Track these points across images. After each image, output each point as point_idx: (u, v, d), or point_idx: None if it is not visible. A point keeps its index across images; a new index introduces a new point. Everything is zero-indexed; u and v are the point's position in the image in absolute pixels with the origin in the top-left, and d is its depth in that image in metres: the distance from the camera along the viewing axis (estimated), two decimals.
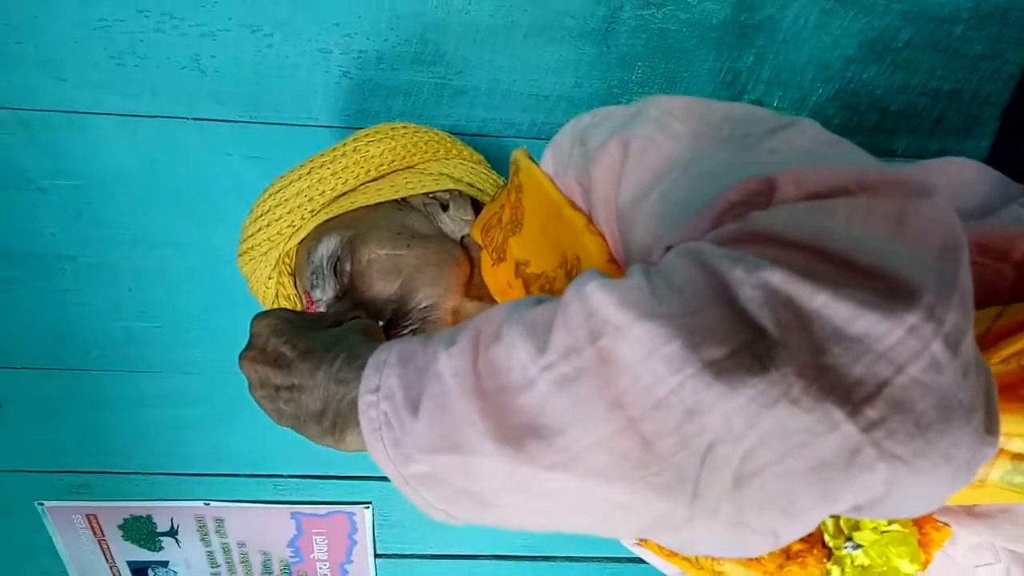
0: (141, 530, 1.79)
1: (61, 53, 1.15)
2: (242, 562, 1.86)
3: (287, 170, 0.93)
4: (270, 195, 0.92)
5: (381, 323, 0.83)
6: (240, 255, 0.97)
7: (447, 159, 0.97)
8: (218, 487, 1.70)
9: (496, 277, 0.82)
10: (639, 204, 0.60)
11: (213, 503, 1.73)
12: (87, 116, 1.21)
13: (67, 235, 1.32)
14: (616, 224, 0.64)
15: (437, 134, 0.98)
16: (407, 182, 0.92)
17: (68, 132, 1.22)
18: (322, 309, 0.88)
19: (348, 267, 0.86)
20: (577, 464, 0.45)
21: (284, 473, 1.70)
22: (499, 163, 1.27)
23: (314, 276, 0.88)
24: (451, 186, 0.94)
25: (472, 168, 0.98)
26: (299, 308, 0.94)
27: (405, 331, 0.84)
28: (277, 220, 0.90)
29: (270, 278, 0.95)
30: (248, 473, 1.68)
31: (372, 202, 0.90)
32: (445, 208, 0.92)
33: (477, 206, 0.96)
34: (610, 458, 0.44)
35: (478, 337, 0.51)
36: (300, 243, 0.93)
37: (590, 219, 0.68)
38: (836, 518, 0.67)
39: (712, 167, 0.57)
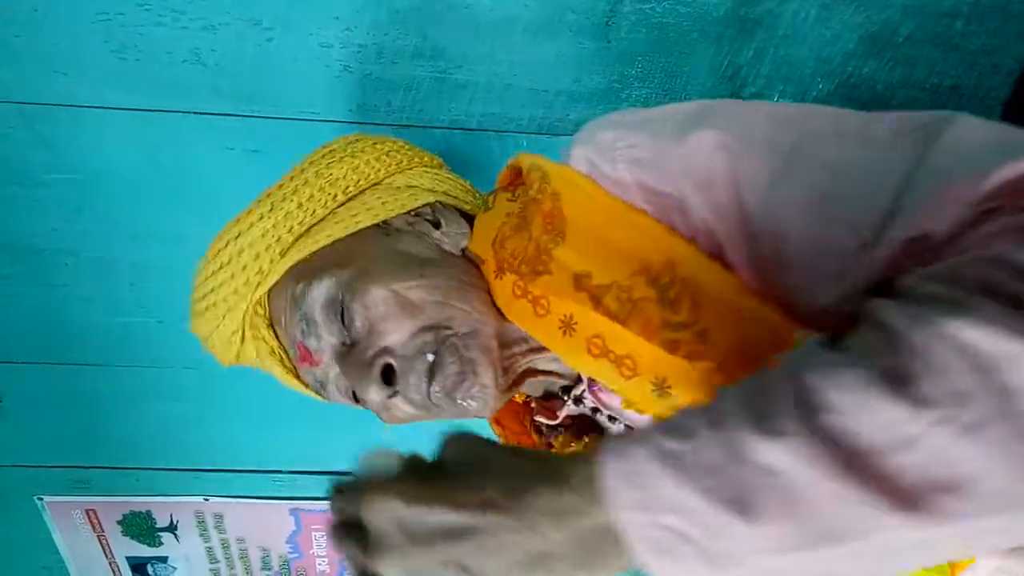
0: (140, 525, 1.79)
1: (61, 47, 1.15)
2: (241, 558, 1.86)
3: (236, 215, 0.83)
4: (228, 243, 0.81)
5: (430, 357, 0.75)
6: (197, 315, 0.85)
7: (410, 169, 0.89)
8: (217, 482, 1.70)
9: (503, 290, 0.76)
10: (789, 198, 0.58)
11: (212, 498, 1.73)
12: (87, 110, 1.21)
13: (67, 230, 1.32)
14: (743, 220, 0.60)
15: (394, 142, 0.90)
16: (382, 202, 0.83)
17: (68, 126, 1.22)
18: (325, 358, 0.79)
19: (360, 310, 0.76)
20: (1004, 503, 0.43)
21: (283, 469, 1.70)
22: (499, 158, 1.27)
23: (305, 324, 0.78)
24: (428, 199, 0.85)
25: (436, 174, 0.90)
26: (285, 361, 0.84)
27: (450, 367, 0.75)
28: (243, 269, 0.80)
29: (235, 333, 0.84)
30: (247, 468, 1.69)
31: (351, 231, 0.81)
32: (437, 225, 0.84)
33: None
34: None
35: (797, 416, 0.45)
36: (271, 289, 0.83)
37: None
38: None
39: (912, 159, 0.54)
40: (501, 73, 1.21)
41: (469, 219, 0.85)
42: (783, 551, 0.45)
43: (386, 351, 0.75)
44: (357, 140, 0.87)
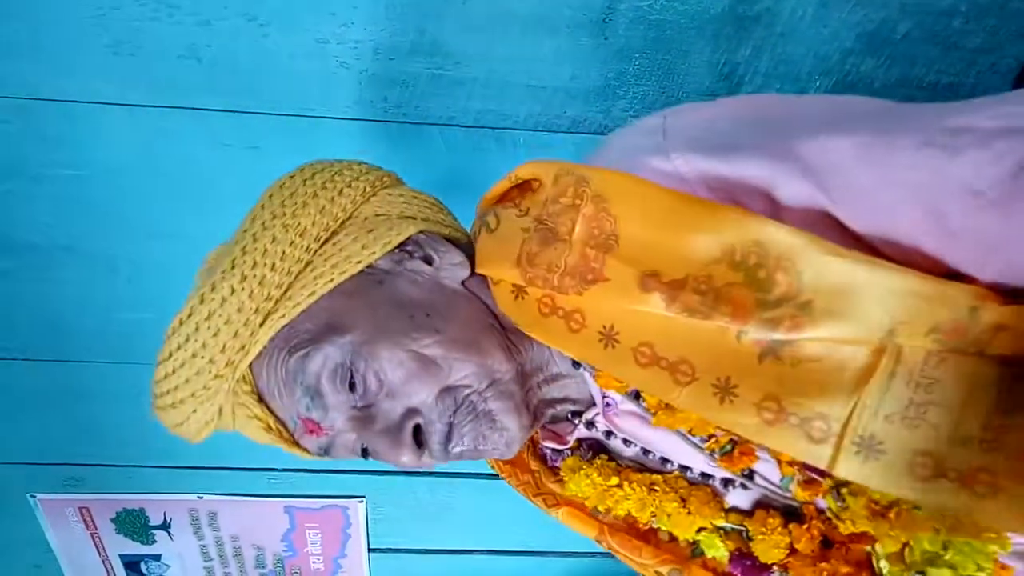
0: (134, 523, 1.79)
1: (57, 42, 1.15)
2: (235, 556, 1.86)
3: (196, 292, 0.71)
4: (197, 326, 0.70)
5: (449, 416, 0.71)
6: (169, 408, 0.75)
7: (374, 195, 0.80)
8: (211, 480, 1.70)
9: (525, 310, 0.71)
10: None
11: (206, 496, 1.73)
12: (84, 105, 1.20)
13: (64, 225, 1.32)
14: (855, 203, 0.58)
15: (350, 168, 0.80)
16: (361, 245, 0.74)
17: (65, 121, 1.21)
18: (337, 426, 0.73)
19: (375, 375, 0.71)
20: None
21: (277, 467, 1.69)
22: (497, 155, 1.27)
23: (309, 399, 0.72)
24: (409, 230, 0.77)
25: (402, 196, 0.81)
26: (284, 434, 0.76)
27: (468, 426, 0.71)
28: (222, 351, 0.70)
29: (215, 415, 0.76)
30: (241, 466, 1.68)
31: (336, 283, 0.72)
32: (428, 260, 0.77)
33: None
34: None
35: None
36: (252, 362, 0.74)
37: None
38: (903, 548, 0.63)
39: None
40: (498, 69, 1.20)
41: (451, 242, 0.79)
42: None
43: (413, 412, 0.71)
44: (313, 174, 0.77)
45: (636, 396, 0.72)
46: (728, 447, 0.69)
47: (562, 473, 0.80)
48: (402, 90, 1.21)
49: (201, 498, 1.73)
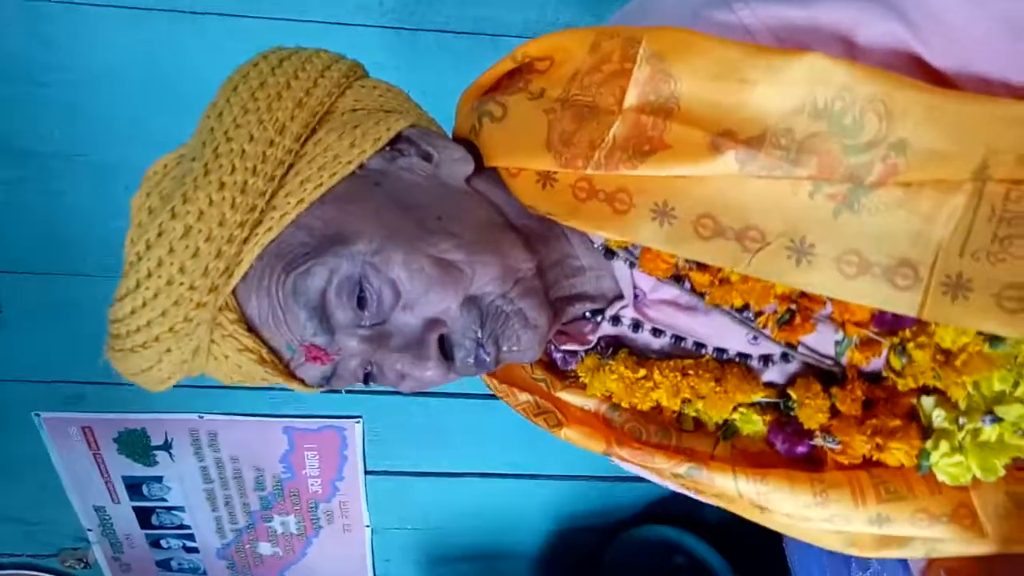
0: (136, 443, 1.82)
1: None
2: (235, 478, 1.89)
3: (163, 207, 0.62)
4: (171, 247, 0.60)
5: (475, 328, 0.66)
6: (138, 351, 0.64)
7: (349, 87, 0.72)
8: (212, 400, 1.73)
9: (558, 198, 0.65)
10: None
11: (207, 416, 1.76)
12: (87, 7, 1.22)
13: (65, 133, 1.34)
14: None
15: (319, 56, 0.71)
16: (349, 143, 0.67)
17: (67, 24, 1.23)
18: (346, 349, 0.66)
19: (391, 287, 0.64)
20: None
21: (277, 385, 1.72)
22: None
23: (316, 322, 0.64)
24: (398, 125, 0.69)
25: (376, 89, 0.73)
26: (278, 366, 0.68)
27: (500, 329, 0.67)
28: (204, 275, 0.61)
29: (193, 354, 0.66)
30: (242, 385, 1.71)
31: (327, 188, 0.65)
32: (426, 157, 0.70)
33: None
34: None
35: None
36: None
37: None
38: (963, 394, 0.62)
39: None
40: None
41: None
42: None
43: (436, 323, 0.65)
44: (280, 61, 0.67)
45: (677, 279, 0.69)
46: (786, 317, 0.67)
47: (580, 374, 0.78)
48: None
49: (202, 418, 1.77)
